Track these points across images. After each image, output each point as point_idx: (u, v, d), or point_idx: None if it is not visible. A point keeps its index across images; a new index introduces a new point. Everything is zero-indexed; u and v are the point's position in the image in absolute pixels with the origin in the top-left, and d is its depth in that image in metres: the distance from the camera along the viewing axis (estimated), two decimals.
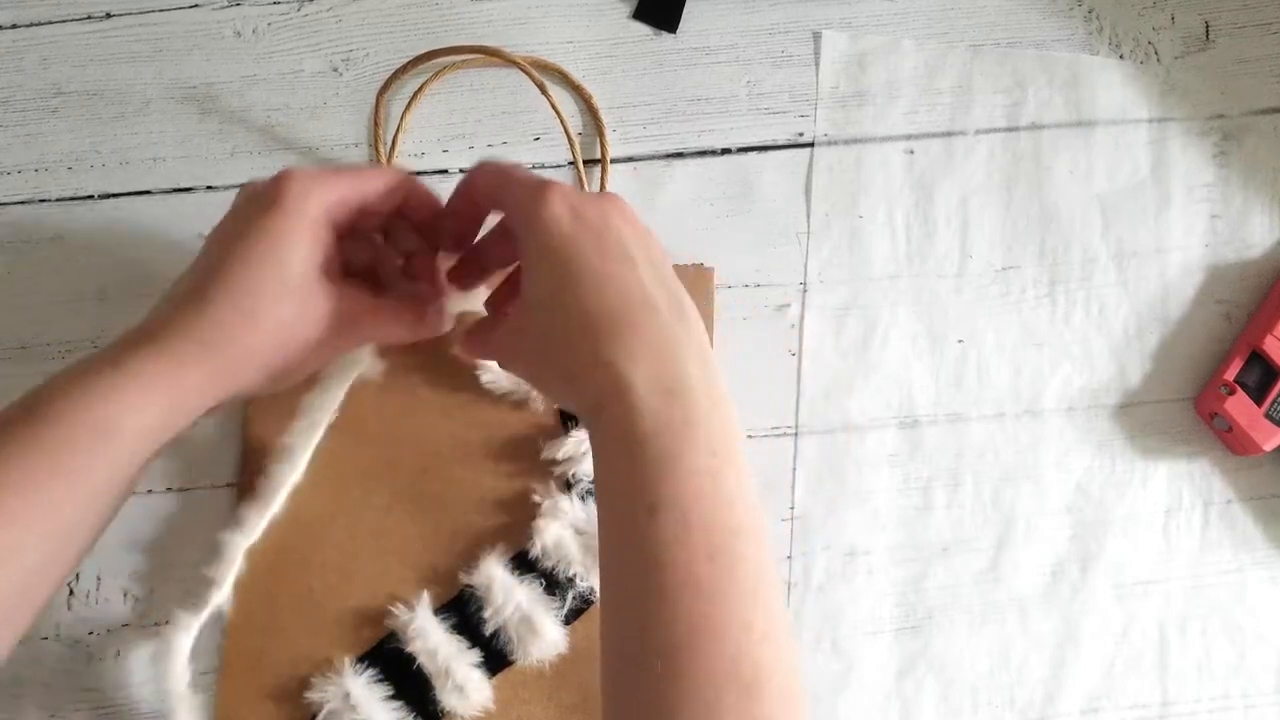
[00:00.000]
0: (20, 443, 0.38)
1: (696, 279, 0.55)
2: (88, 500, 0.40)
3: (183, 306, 0.41)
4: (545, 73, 0.57)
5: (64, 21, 0.58)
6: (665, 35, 0.59)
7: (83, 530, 0.41)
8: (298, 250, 0.42)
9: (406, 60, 0.55)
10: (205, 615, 0.49)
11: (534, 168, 0.57)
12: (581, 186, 0.56)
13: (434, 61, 0.56)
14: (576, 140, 0.56)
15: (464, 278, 0.50)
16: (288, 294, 0.42)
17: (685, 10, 0.59)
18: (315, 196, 0.43)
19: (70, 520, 0.40)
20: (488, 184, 0.45)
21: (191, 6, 0.59)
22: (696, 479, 0.38)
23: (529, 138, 0.58)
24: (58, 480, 0.38)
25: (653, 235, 0.44)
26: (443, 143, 0.57)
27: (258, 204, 0.43)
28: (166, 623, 0.51)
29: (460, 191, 0.47)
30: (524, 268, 0.43)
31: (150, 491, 0.53)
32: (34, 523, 0.38)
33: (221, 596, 0.50)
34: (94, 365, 0.40)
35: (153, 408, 0.40)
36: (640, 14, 0.59)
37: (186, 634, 0.49)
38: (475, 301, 0.51)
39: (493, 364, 0.52)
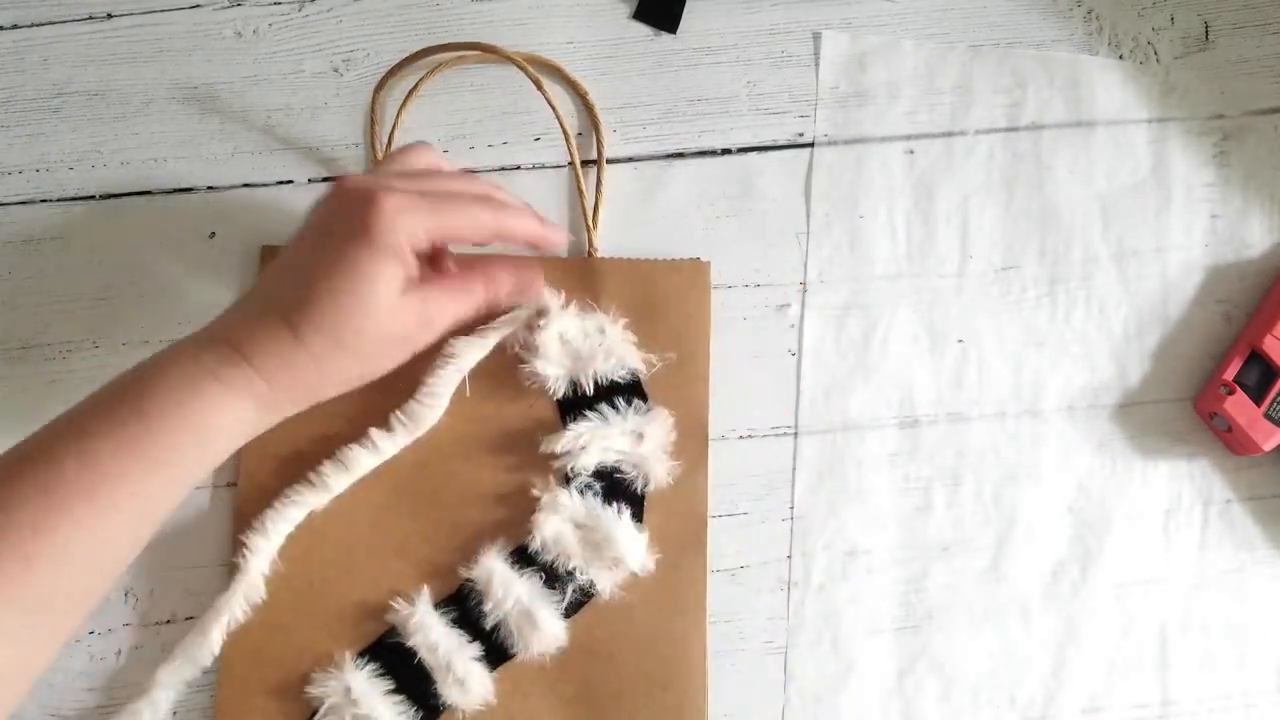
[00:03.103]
0: (130, 439, 0.41)
1: (693, 273, 0.55)
2: (177, 493, 0.43)
3: (276, 335, 0.43)
4: (542, 70, 0.57)
5: (65, 22, 0.58)
6: (665, 35, 0.59)
7: (160, 520, 0.43)
8: (383, 279, 0.43)
9: (401, 58, 0.55)
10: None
11: (534, 168, 0.57)
12: (578, 185, 0.56)
13: (430, 59, 0.56)
14: (574, 138, 0.56)
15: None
16: (375, 321, 0.44)
17: (685, 10, 0.59)
18: (404, 231, 0.43)
19: (161, 511, 0.43)
20: None
21: (193, 7, 0.59)
22: None
23: (529, 138, 0.58)
24: (157, 476, 0.41)
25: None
26: (443, 143, 0.57)
27: (346, 231, 0.43)
28: (169, 622, 0.51)
29: None
30: None
31: None
32: (134, 512, 0.41)
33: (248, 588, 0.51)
34: (195, 373, 0.42)
35: (247, 417, 0.43)
36: (640, 14, 0.59)
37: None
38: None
39: (543, 356, 0.53)
